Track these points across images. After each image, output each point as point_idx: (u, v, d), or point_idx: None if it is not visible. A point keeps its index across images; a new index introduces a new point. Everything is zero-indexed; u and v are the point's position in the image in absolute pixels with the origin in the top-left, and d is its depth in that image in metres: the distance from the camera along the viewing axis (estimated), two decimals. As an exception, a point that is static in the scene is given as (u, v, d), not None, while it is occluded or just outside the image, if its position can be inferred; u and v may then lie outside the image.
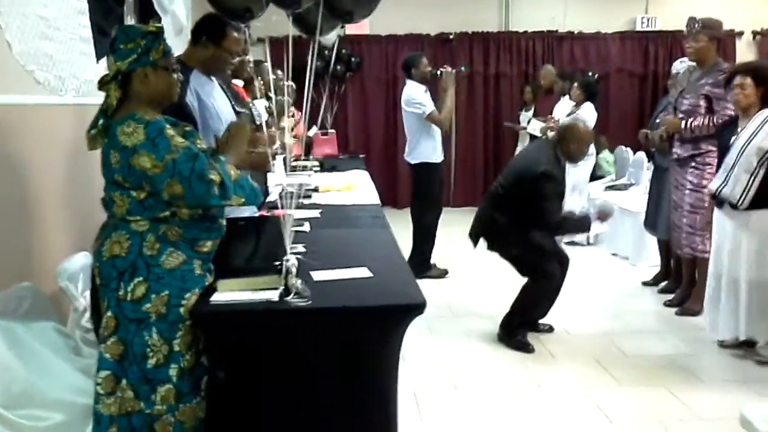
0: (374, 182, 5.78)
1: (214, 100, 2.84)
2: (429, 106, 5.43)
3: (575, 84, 6.81)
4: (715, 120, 4.26)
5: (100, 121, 2.09)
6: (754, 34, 9.19)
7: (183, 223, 2.11)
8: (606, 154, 7.89)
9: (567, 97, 6.90)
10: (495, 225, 4.06)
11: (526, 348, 3.96)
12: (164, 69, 2.15)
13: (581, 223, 4.09)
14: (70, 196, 3.37)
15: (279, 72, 5.46)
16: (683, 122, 4.41)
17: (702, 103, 4.36)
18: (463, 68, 5.54)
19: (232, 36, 2.83)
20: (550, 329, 4.28)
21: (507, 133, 8.62)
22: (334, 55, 8.48)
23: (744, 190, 3.62)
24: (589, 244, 6.65)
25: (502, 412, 3.22)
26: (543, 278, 3.97)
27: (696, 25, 4.40)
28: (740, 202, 3.64)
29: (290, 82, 6.07)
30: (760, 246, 3.61)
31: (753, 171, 3.59)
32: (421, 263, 5.61)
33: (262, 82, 4.34)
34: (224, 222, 2.27)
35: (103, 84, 2.11)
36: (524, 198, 3.90)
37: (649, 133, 5.07)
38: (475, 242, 4.19)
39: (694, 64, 4.58)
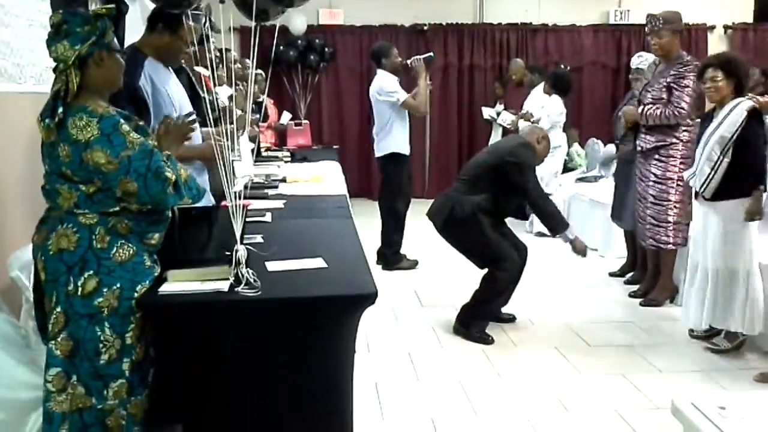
0: (348, 173, 5.79)
1: (168, 88, 2.81)
2: (403, 94, 5.42)
3: (546, 77, 6.85)
4: (668, 111, 4.30)
5: (60, 110, 2.01)
6: (726, 28, 9.28)
7: (132, 216, 2.09)
8: (577, 147, 7.94)
9: (539, 89, 6.93)
10: (453, 214, 4.03)
11: (484, 340, 3.97)
12: (116, 52, 2.12)
13: (558, 218, 4.06)
14: (26, 186, 3.32)
15: (246, 61, 5.44)
16: (639, 110, 4.47)
17: (664, 95, 4.40)
18: (430, 55, 5.52)
19: (188, 25, 2.80)
20: (513, 319, 4.31)
21: (481, 123, 8.63)
22: (302, 44, 8.47)
23: (706, 180, 3.66)
24: (545, 235, 6.68)
25: (462, 402, 3.24)
26: (502, 269, 3.97)
27: (657, 22, 4.44)
28: (703, 191, 3.68)
29: (259, 71, 6.08)
30: (724, 236, 3.65)
31: (716, 160, 3.63)
32: (393, 254, 5.63)
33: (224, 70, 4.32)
34: (170, 214, 2.24)
35: (60, 70, 2.05)
36: (497, 180, 3.97)
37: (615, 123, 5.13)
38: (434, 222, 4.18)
39: (654, 57, 4.65)
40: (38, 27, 3.66)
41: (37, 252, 2.11)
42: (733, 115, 3.61)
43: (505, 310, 4.29)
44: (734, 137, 3.58)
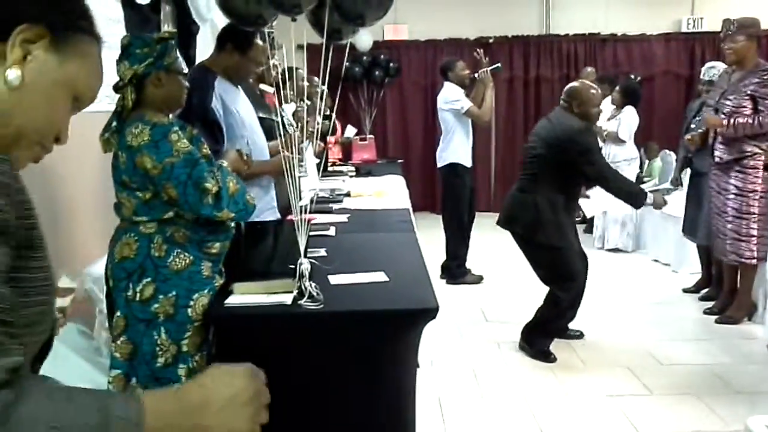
0: (413, 187, 5.80)
1: (238, 107, 2.87)
2: (467, 103, 5.42)
3: (616, 88, 6.72)
4: (760, 119, 4.13)
5: (114, 124, 2.16)
6: (805, 33, 8.88)
7: (189, 224, 2.15)
8: (657, 161, 7.72)
9: (608, 100, 6.79)
10: (523, 203, 3.90)
11: (548, 357, 3.88)
12: (176, 73, 2.20)
13: (636, 191, 3.93)
14: (99, 203, 3.45)
15: (315, 78, 5.52)
16: (726, 120, 4.29)
17: (747, 104, 4.23)
18: (498, 66, 5.51)
19: (259, 45, 2.86)
20: (580, 335, 4.20)
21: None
22: (369, 60, 8.55)
23: None
24: (632, 250, 6.54)
25: (528, 421, 3.18)
26: (564, 289, 3.84)
27: (732, 26, 4.29)
28: None
29: (324, 87, 6.16)
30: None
31: None
32: (457, 268, 5.59)
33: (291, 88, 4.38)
34: (233, 224, 2.29)
35: (118, 88, 2.17)
36: (563, 164, 3.77)
37: (687, 136, 4.95)
38: (504, 225, 4.04)
39: (725, 66, 4.49)
40: (113, 49, 3.83)
41: (107, 261, 2.21)
42: None
43: (572, 326, 4.18)
44: None
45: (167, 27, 4.72)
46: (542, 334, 3.96)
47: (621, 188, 3.88)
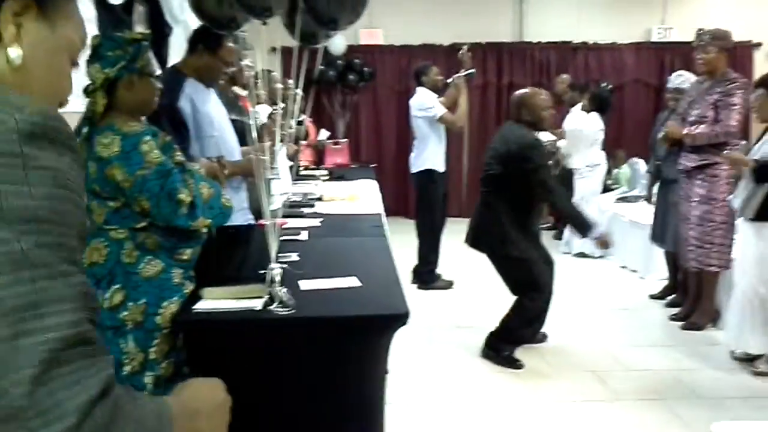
0: (386, 192, 5.80)
1: (209, 108, 2.87)
2: (440, 110, 5.45)
3: (587, 95, 6.82)
4: (717, 129, 4.22)
5: (84, 129, 2.09)
6: (772, 45, 9.10)
7: (161, 231, 2.12)
8: (624, 168, 7.84)
9: (578, 107, 6.88)
10: (487, 218, 3.96)
11: (514, 364, 3.90)
12: (149, 76, 2.18)
13: (583, 220, 3.90)
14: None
15: (290, 81, 5.52)
16: (687, 129, 4.39)
17: (710, 113, 4.32)
18: (472, 72, 5.53)
19: (228, 46, 2.86)
20: (544, 337, 4.24)
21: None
22: (343, 64, 8.55)
23: (746, 199, 3.61)
24: (599, 257, 6.62)
25: (496, 427, 3.21)
26: (531, 298, 3.87)
27: (705, 37, 4.38)
28: (743, 212, 3.63)
29: (298, 90, 6.16)
30: (762, 258, 3.58)
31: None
32: (428, 273, 5.62)
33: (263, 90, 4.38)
34: (204, 230, 2.28)
35: (89, 92, 2.12)
36: (517, 177, 3.81)
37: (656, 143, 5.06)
38: (472, 244, 4.10)
39: (693, 76, 4.59)
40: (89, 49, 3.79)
41: None
42: None
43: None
44: None
45: (140, 28, 4.69)
46: (508, 342, 3.98)
47: (567, 211, 3.98)
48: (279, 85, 5.09)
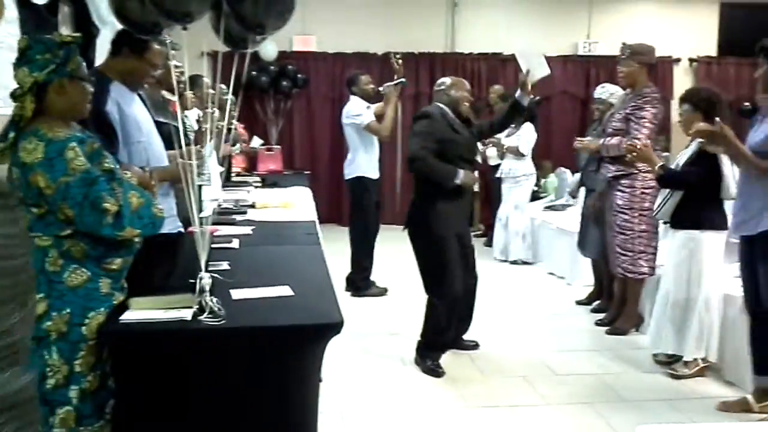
0: (319, 199, 5.77)
1: (135, 112, 2.78)
2: (367, 118, 5.45)
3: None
4: (626, 142, 4.36)
5: (11, 134, 2.01)
6: (691, 61, 9.54)
7: (88, 240, 2.05)
8: (552, 178, 8.05)
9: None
10: (414, 201, 4.06)
11: (435, 373, 3.90)
12: (80, 79, 2.10)
13: (445, 170, 3.90)
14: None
15: (223, 86, 5.44)
16: (601, 142, 4.58)
17: (623, 126, 4.50)
18: (403, 80, 5.55)
19: (155, 48, 2.79)
20: (476, 346, 4.29)
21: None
22: (276, 70, 8.50)
23: (662, 202, 3.85)
24: (525, 263, 6.78)
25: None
26: (438, 295, 3.89)
27: (626, 51, 4.55)
28: (656, 213, 3.84)
29: (231, 96, 6.07)
30: (680, 264, 3.78)
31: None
32: (362, 280, 5.62)
33: (192, 94, 4.30)
34: (137, 240, 2.21)
35: (17, 96, 2.03)
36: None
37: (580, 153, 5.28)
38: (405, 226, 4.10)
39: (617, 88, 4.80)
40: (6, 49, 3.63)
41: None
42: (693, 146, 3.76)
43: (468, 336, 4.29)
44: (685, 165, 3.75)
45: (65, 29, 4.52)
46: (427, 349, 4.00)
47: (430, 168, 3.93)
48: (211, 91, 5.02)
